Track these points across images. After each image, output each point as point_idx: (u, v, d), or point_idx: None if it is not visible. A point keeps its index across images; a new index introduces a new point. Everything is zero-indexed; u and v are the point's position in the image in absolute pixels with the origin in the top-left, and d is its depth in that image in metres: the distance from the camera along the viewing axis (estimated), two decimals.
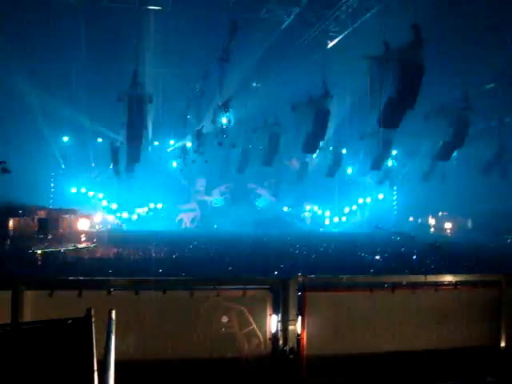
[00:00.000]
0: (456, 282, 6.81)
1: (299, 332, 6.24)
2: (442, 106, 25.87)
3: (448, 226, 36.21)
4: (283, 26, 21.55)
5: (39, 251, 19.79)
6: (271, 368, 6.19)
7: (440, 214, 37.67)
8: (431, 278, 6.86)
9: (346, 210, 42.76)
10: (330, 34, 22.23)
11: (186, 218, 40.93)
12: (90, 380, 3.79)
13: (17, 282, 5.81)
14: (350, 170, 40.82)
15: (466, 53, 21.70)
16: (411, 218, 40.16)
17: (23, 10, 19.34)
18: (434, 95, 23.37)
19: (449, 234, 34.32)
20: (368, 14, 20.01)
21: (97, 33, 20.95)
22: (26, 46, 22.28)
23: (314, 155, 34.78)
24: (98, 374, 3.89)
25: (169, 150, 38.03)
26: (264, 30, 21.96)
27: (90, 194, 38.64)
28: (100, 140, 35.29)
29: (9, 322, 5.33)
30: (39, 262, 17.42)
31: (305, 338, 6.24)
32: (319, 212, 42.79)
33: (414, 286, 6.67)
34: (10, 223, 25.57)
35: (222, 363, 6.10)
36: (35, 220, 28.72)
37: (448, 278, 6.89)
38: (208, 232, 33.46)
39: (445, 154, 27.33)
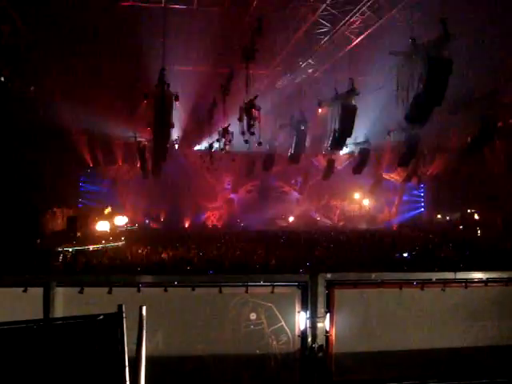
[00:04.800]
0: (487, 278, 6.70)
1: (328, 329, 6.21)
2: (470, 100, 25.37)
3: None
4: (309, 23, 21.40)
5: (69, 249, 20.08)
6: (300, 365, 6.18)
7: (468, 211, 37.16)
8: (461, 275, 6.75)
9: None
10: (356, 29, 22.00)
11: (212, 216, 41.06)
12: (121, 376, 3.83)
13: (48, 279, 5.90)
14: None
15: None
16: (439, 216, 39.73)
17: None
18: (462, 89, 22.92)
19: (478, 232, 33.78)
20: (394, 10, 19.75)
21: (123, 32, 21.08)
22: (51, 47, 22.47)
23: (341, 152, 34.54)
24: (130, 370, 3.93)
25: (195, 148, 38.08)
26: (289, 26, 21.90)
27: None
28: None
29: (41, 318, 5.42)
30: (68, 260, 17.67)
31: (333, 336, 6.21)
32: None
33: (444, 282, 6.58)
34: (40, 222, 25.97)
35: (251, 360, 6.11)
36: (64, 219, 29.17)
37: (478, 275, 6.76)
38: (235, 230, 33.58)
39: (473, 149, 26.87)
